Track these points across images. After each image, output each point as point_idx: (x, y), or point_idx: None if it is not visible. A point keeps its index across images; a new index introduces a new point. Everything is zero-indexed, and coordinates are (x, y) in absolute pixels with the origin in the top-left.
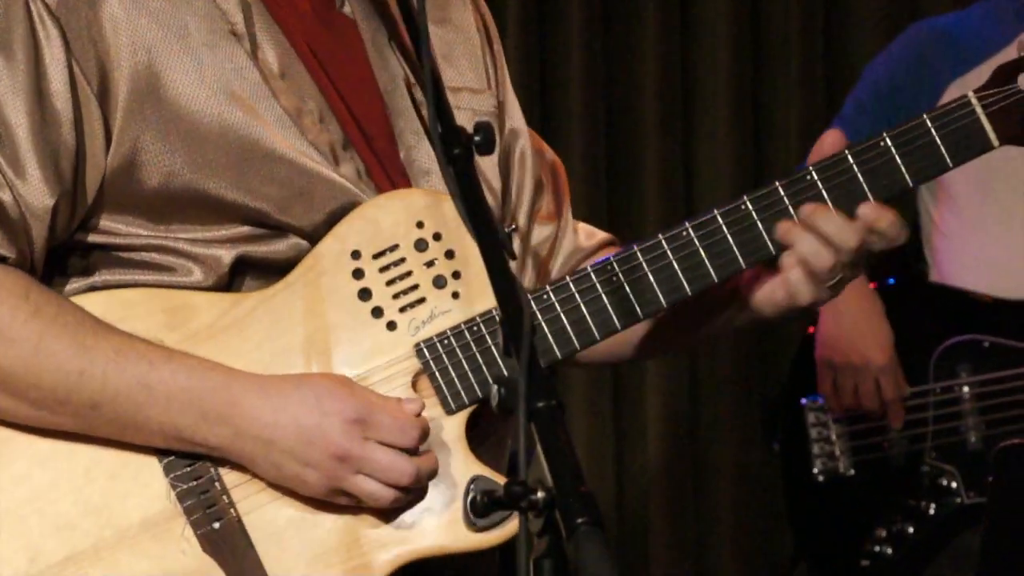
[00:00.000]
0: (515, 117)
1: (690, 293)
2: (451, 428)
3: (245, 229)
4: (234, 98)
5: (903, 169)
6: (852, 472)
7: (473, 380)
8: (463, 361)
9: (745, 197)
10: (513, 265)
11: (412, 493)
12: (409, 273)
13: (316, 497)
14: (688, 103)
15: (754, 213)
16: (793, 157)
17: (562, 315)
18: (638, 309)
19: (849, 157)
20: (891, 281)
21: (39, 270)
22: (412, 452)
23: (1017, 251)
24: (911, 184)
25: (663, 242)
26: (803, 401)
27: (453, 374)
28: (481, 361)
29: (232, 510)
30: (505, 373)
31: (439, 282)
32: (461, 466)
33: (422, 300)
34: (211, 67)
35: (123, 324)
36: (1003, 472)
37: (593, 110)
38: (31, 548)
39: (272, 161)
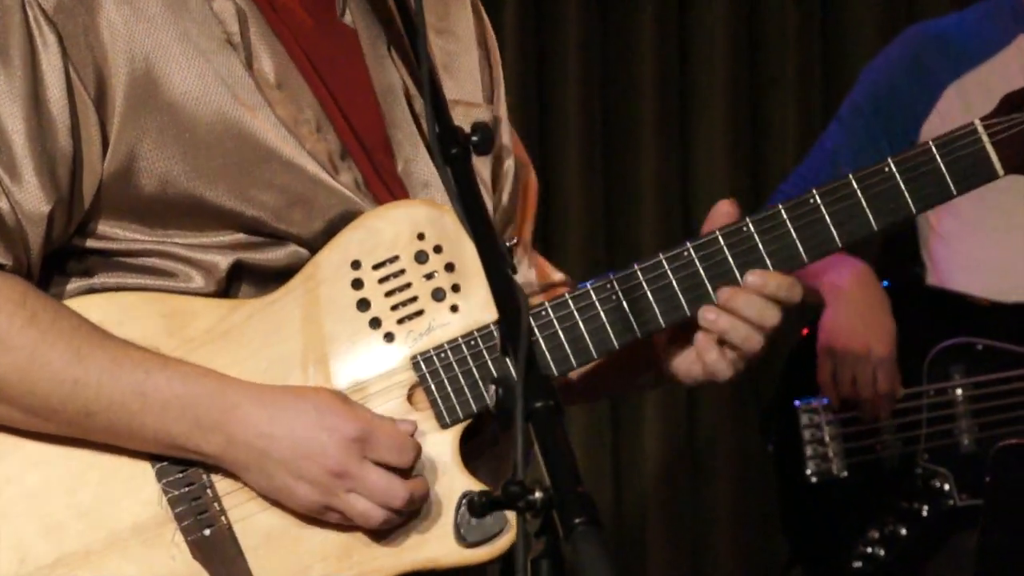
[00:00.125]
0: (505, 135)
1: (688, 314)
2: (445, 442)
3: (241, 236)
4: (231, 105)
5: (907, 196)
6: (845, 474)
7: (469, 395)
8: (459, 375)
9: (748, 219)
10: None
11: (402, 516)
12: (408, 285)
13: (303, 511)
14: (685, 104)
15: (756, 235)
16: (790, 159)
17: (560, 332)
18: (636, 328)
19: (853, 182)
20: (886, 284)
21: (36, 275)
22: (406, 473)
23: (1014, 253)
24: (914, 211)
25: (663, 261)
26: (796, 403)
27: (449, 388)
28: (477, 376)
29: (223, 517)
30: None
31: (438, 295)
32: (453, 481)
33: (420, 312)
34: (208, 74)
35: (121, 328)
36: (1000, 472)
37: (590, 111)
38: (21, 549)
39: (271, 167)
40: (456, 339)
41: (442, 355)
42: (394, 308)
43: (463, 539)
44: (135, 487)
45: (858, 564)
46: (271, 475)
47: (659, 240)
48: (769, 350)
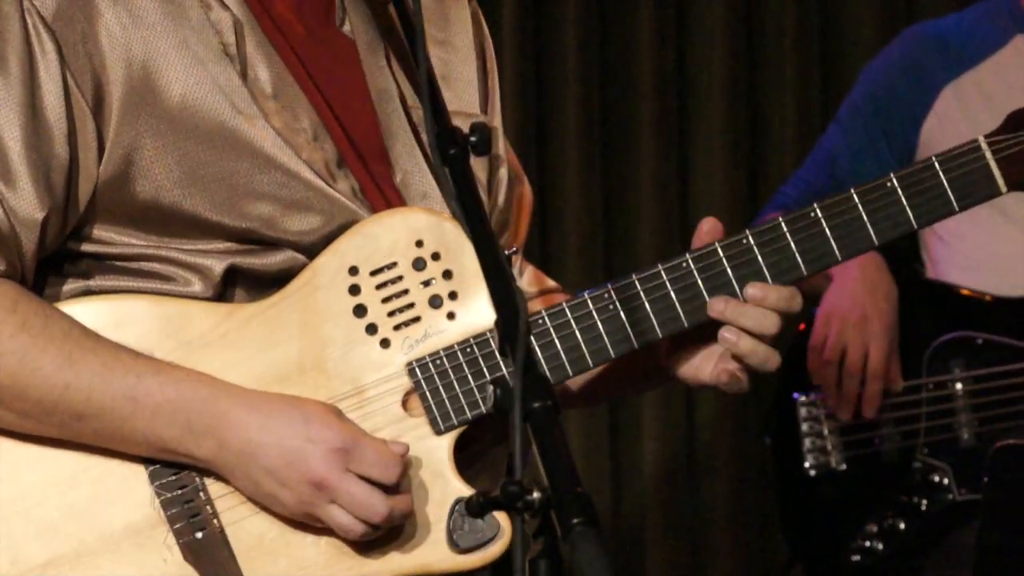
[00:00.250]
0: (500, 145)
1: (686, 326)
2: (439, 449)
3: (233, 244)
4: (228, 113)
5: (909, 211)
6: (844, 467)
7: (464, 402)
8: (454, 382)
9: (748, 231)
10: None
11: (383, 531)
12: (406, 291)
13: (291, 517)
14: (683, 105)
15: (755, 248)
16: (789, 159)
17: (556, 341)
18: (633, 338)
19: (855, 197)
20: None
21: (30, 280)
22: (390, 490)
23: (1014, 248)
24: (916, 226)
25: (662, 272)
26: (795, 396)
27: (444, 395)
28: (473, 383)
29: (216, 520)
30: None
31: (435, 302)
32: (446, 487)
33: (417, 319)
34: (206, 82)
35: (118, 331)
36: (999, 472)
37: (589, 111)
38: (13, 549)
39: (267, 175)
40: (452, 346)
41: (437, 362)
42: (391, 314)
43: (456, 545)
44: (128, 489)
45: (856, 557)
46: (258, 481)
47: (658, 240)
48: None
